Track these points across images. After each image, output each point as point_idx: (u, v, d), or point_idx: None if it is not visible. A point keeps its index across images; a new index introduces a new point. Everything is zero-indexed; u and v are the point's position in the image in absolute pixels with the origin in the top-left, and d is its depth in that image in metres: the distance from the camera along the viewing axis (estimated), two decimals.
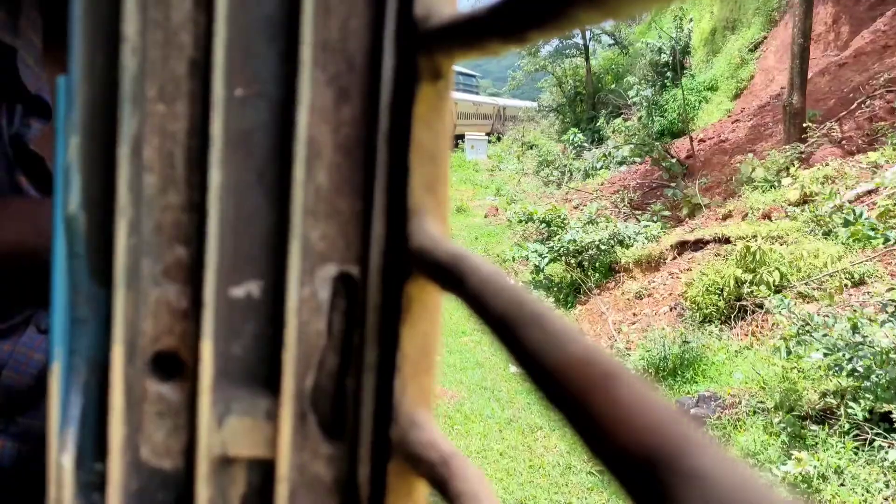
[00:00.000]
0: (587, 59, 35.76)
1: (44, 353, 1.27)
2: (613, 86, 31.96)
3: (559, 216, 14.20)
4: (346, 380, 0.54)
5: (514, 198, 21.63)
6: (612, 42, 36.24)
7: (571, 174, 24.16)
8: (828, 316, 7.61)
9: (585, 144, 26.72)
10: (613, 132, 24.52)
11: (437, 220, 0.52)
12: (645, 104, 24.06)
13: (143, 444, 0.54)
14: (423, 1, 0.50)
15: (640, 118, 24.02)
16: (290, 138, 0.52)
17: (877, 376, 6.64)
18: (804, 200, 11.84)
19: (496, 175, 30.54)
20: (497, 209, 21.81)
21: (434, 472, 0.47)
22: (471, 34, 0.44)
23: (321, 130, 0.52)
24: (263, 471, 0.54)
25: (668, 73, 24.69)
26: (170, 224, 0.52)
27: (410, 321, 0.52)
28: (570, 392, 0.28)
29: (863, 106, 14.59)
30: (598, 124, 27.95)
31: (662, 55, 25.02)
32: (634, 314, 11.53)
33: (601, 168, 21.62)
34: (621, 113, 27.74)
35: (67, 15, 0.50)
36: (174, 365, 0.54)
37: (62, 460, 0.53)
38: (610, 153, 21.81)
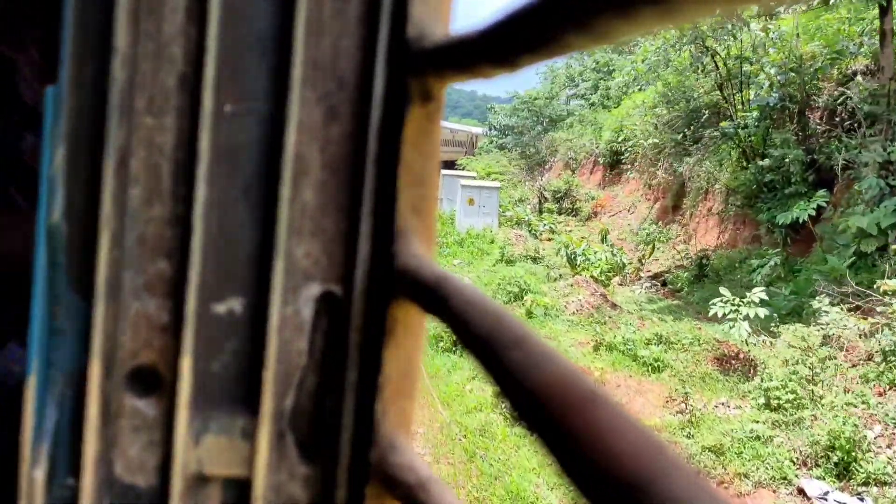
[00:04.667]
0: (885, 13, 13.91)
1: (23, 366, 1.26)
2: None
3: None
4: (326, 400, 0.54)
5: None
6: None
7: None
8: None
9: None
10: None
11: (423, 242, 0.52)
12: None
13: (118, 460, 0.53)
14: (416, 22, 0.51)
15: None
16: (278, 155, 0.52)
17: None
18: None
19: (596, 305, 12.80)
20: None
21: (411, 495, 0.46)
22: (462, 57, 0.44)
23: (309, 148, 0.52)
24: (239, 490, 0.54)
25: None
26: (153, 237, 0.52)
27: (393, 343, 0.52)
28: (549, 415, 0.28)
29: None
30: None
31: None
32: None
33: None
34: None
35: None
36: (152, 380, 0.53)
37: (34, 474, 0.52)
38: None
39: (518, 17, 0.36)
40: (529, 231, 19.65)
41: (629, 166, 23.57)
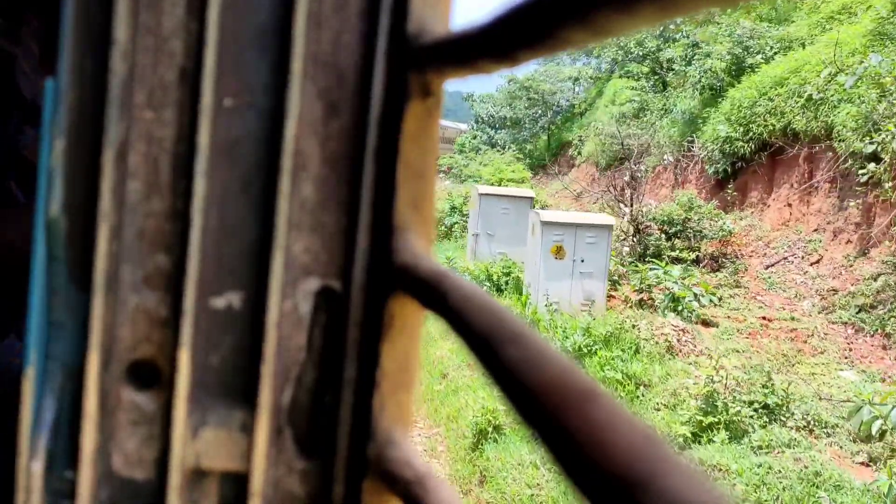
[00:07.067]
0: None
1: (23, 359, 1.26)
2: None
3: None
4: (325, 395, 0.54)
5: None
6: None
7: None
8: None
9: None
10: None
11: (422, 238, 0.52)
12: None
13: (116, 453, 0.53)
14: (417, 18, 0.50)
15: None
16: (278, 150, 0.52)
17: None
18: None
19: None
20: None
21: (409, 490, 0.46)
22: (462, 53, 0.44)
23: (309, 143, 0.52)
24: (237, 485, 0.54)
25: None
26: (152, 231, 0.52)
27: (391, 338, 0.52)
28: (547, 411, 0.28)
29: None
30: None
31: None
32: None
33: None
34: None
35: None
36: (151, 374, 0.53)
37: (32, 466, 0.52)
38: None
39: (518, 12, 0.36)
40: (675, 309, 10.30)
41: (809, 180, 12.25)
